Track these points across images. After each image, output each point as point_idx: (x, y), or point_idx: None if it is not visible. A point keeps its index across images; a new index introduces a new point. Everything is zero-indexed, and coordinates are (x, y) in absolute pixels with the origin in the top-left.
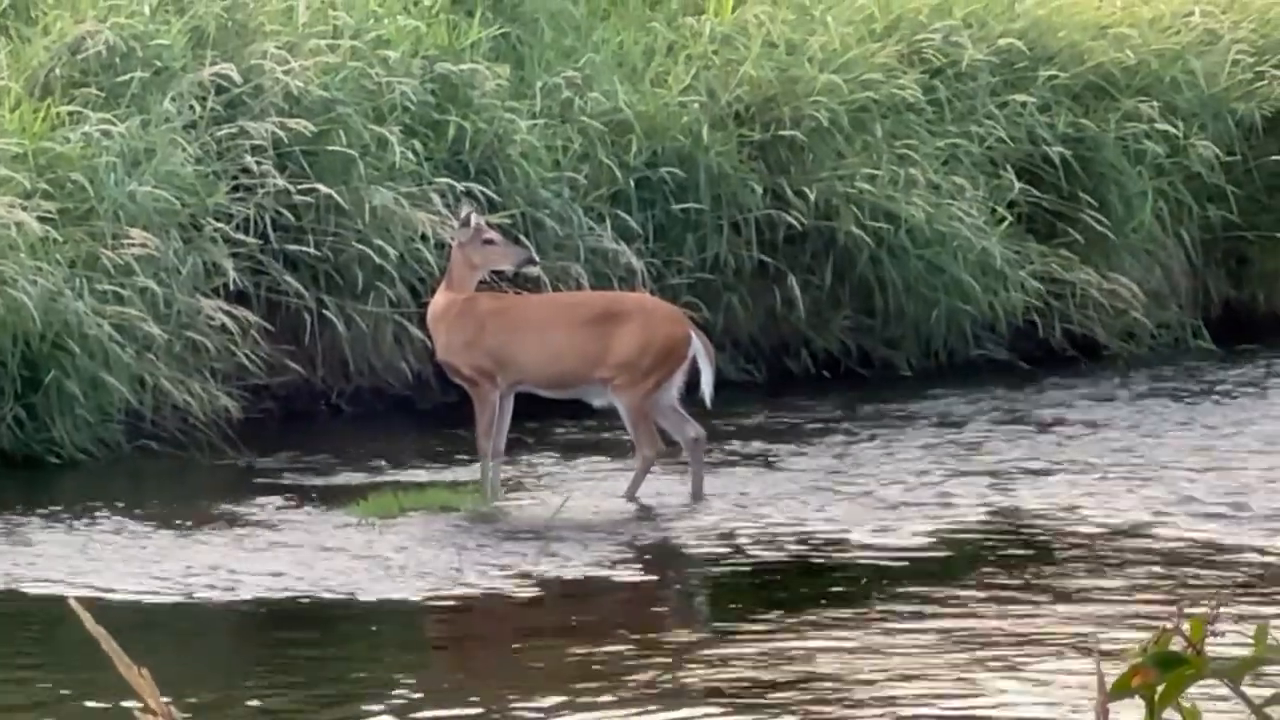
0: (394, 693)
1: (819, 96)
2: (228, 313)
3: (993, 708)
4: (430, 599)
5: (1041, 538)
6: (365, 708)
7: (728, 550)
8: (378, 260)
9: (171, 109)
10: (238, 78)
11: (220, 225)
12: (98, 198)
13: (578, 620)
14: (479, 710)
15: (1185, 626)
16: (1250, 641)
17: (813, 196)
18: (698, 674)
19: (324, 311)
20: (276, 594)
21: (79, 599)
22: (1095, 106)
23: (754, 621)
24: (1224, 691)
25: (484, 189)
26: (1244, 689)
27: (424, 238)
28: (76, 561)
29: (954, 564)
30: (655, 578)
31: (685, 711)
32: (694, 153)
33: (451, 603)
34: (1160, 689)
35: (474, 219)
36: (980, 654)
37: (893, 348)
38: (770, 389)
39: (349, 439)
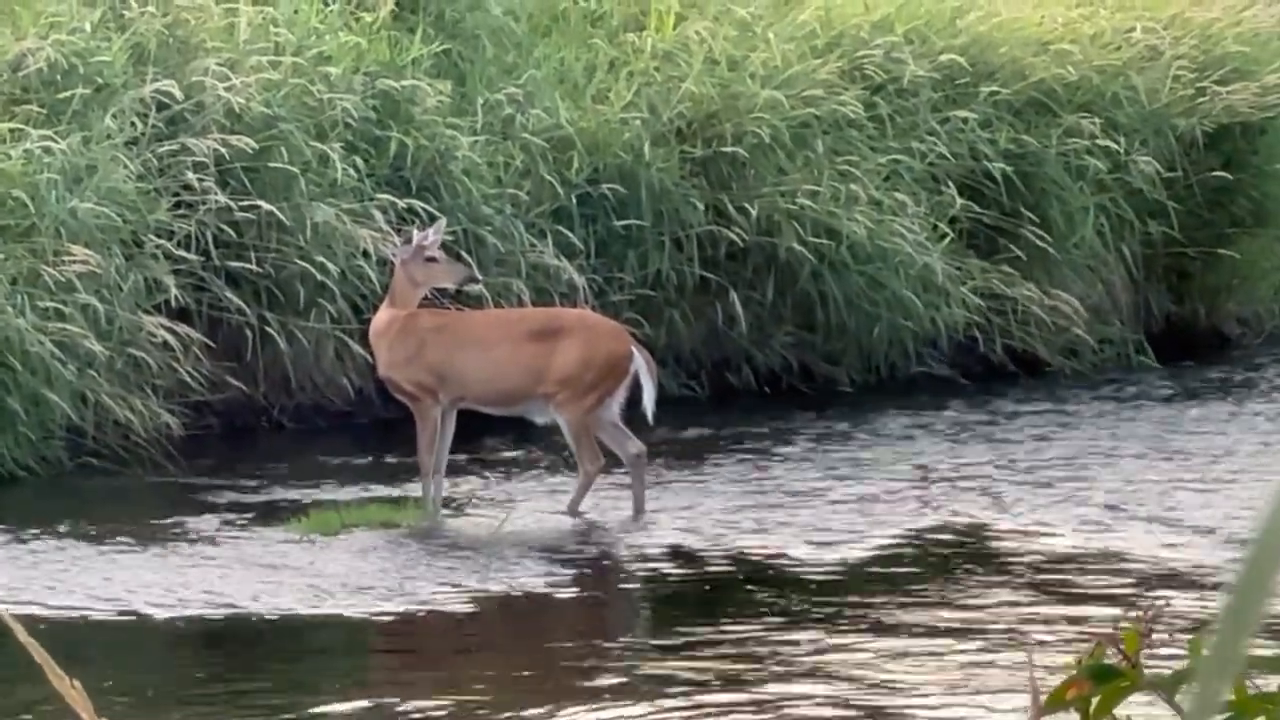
0: (335, 709)
1: (760, 113)
2: (169, 329)
3: (928, 717)
4: (371, 615)
5: (979, 551)
6: None
7: (669, 565)
8: (319, 277)
9: (113, 126)
10: (179, 94)
11: (162, 242)
12: (39, 214)
13: (519, 635)
14: None
15: (1120, 638)
16: (1186, 654)
17: (754, 213)
18: (640, 688)
19: (265, 328)
20: (217, 610)
21: (18, 615)
22: (1037, 122)
23: (696, 635)
24: (1160, 704)
25: (425, 205)
26: (1179, 702)
27: (365, 254)
28: (17, 578)
29: (893, 577)
30: (597, 593)
31: None
32: (635, 169)
33: (393, 619)
34: (1095, 701)
35: (429, 236)
36: (918, 665)
37: (834, 363)
38: (712, 405)
39: (290, 455)
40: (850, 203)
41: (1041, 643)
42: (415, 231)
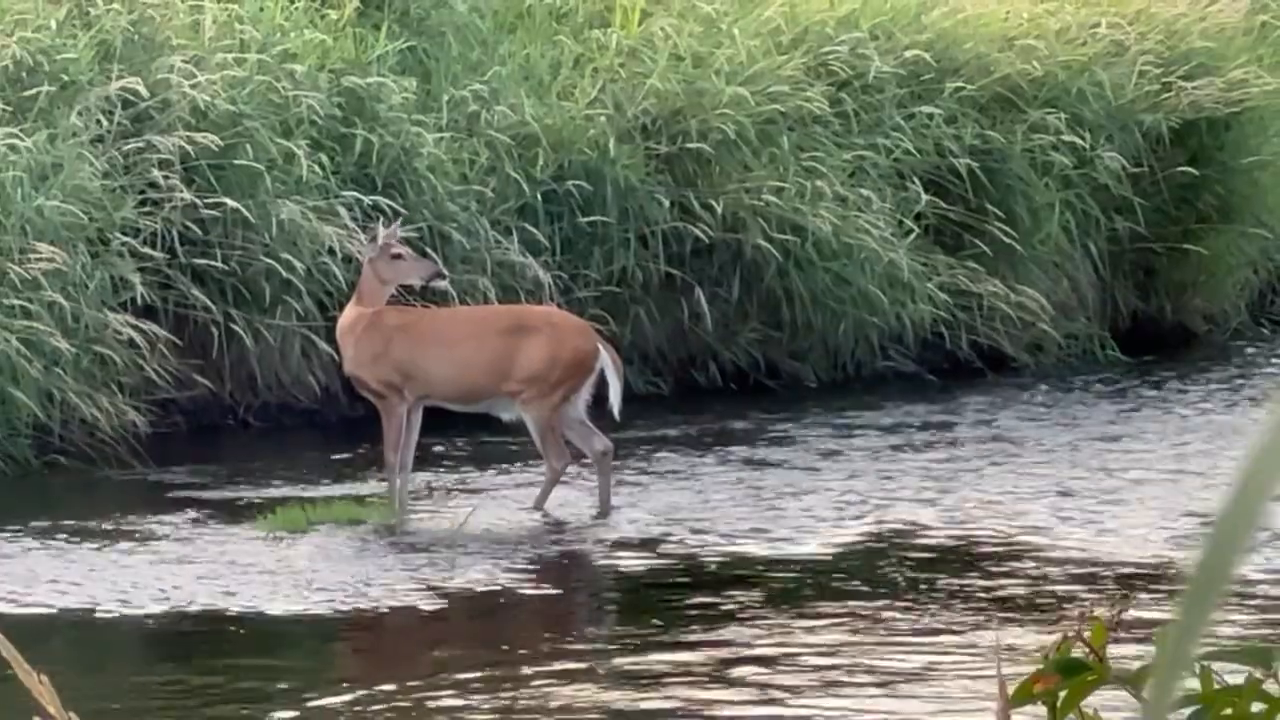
0: (301, 706)
1: (726, 109)
2: (135, 327)
3: (894, 714)
4: (338, 612)
5: (945, 547)
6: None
7: (635, 562)
8: (285, 274)
9: (78, 123)
10: (145, 92)
11: (128, 239)
12: (5, 212)
13: (484, 632)
14: None
15: (1087, 632)
16: (1153, 647)
17: (720, 209)
18: (604, 685)
19: (231, 325)
20: (183, 608)
21: None
22: (1002, 118)
23: (661, 631)
24: (1127, 698)
25: (391, 202)
26: (1146, 695)
27: (331, 251)
28: None
29: (859, 574)
30: (562, 590)
31: None
32: (601, 166)
33: (359, 615)
34: (1062, 695)
35: (385, 233)
36: (882, 662)
37: (800, 360)
38: (678, 401)
39: (256, 453)
40: (816, 199)
41: (1008, 638)
42: (381, 229)
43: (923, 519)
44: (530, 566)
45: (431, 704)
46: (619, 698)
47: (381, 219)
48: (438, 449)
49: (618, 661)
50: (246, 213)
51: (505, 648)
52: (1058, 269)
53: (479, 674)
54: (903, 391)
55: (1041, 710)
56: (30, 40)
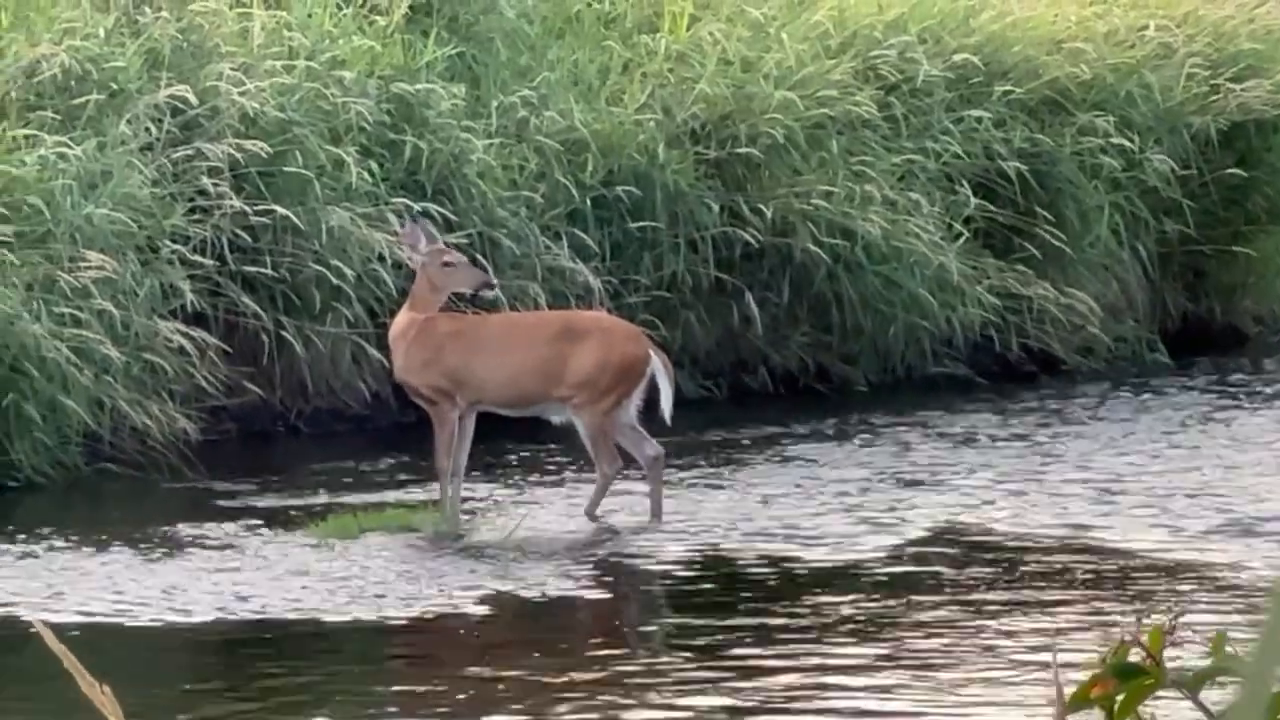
0: (354, 713)
1: (775, 114)
2: (185, 334)
3: (953, 713)
4: (390, 619)
5: (1001, 551)
6: None
7: (687, 568)
8: (335, 281)
9: (127, 131)
10: (193, 99)
11: (177, 247)
12: (54, 220)
13: (537, 638)
14: None
15: (1144, 637)
16: (1209, 651)
17: (769, 213)
18: (657, 692)
19: (282, 332)
20: (235, 615)
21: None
22: (1051, 121)
23: (713, 638)
24: (1184, 702)
25: (440, 209)
26: (1203, 699)
27: (381, 258)
28: (35, 584)
29: (913, 578)
30: (614, 595)
31: None
32: (650, 171)
33: (410, 622)
34: (1119, 700)
35: (423, 233)
36: (939, 667)
37: (850, 364)
38: (729, 406)
39: (308, 460)
40: (865, 203)
41: (1064, 642)
42: (418, 225)
43: (977, 523)
44: (582, 572)
45: (483, 709)
46: (672, 703)
47: (423, 219)
48: (490, 455)
49: (672, 667)
50: (296, 220)
51: (558, 653)
52: (1107, 271)
53: (531, 680)
54: (954, 394)
55: (1099, 715)
56: (79, 49)
